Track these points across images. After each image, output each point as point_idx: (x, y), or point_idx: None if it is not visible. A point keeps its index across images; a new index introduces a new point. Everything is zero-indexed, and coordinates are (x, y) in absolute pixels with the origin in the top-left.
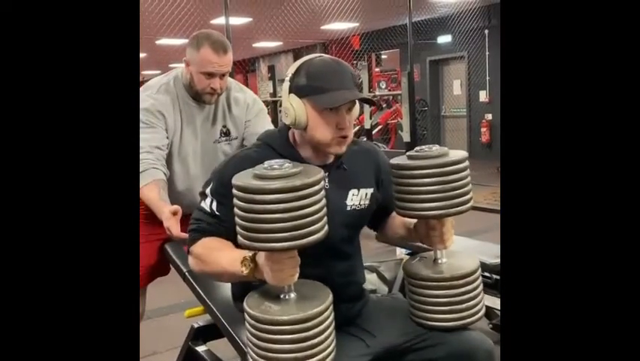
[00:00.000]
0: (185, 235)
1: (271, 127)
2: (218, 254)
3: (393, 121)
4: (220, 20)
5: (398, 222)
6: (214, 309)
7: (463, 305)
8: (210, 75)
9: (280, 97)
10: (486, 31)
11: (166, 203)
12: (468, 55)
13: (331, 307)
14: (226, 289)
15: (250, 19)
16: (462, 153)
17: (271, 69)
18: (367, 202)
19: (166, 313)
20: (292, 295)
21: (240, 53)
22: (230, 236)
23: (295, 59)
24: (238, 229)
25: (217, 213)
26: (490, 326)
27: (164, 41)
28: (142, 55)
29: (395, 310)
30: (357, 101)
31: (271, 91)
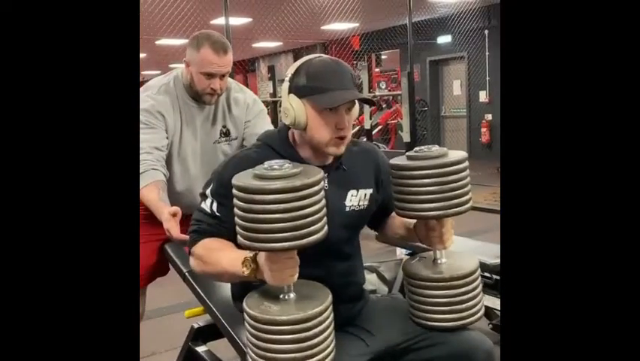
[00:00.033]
0: (185, 237)
1: (271, 127)
2: (219, 255)
3: (393, 121)
4: (220, 20)
5: (398, 222)
6: (214, 309)
7: (463, 305)
8: (210, 76)
9: (280, 97)
10: (486, 32)
11: (165, 204)
12: (468, 55)
13: (331, 308)
14: (226, 289)
15: (250, 20)
16: (461, 154)
17: (271, 69)
18: (366, 203)
19: (166, 314)
20: (292, 295)
21: (239, 53)
22: (231, 237)
23: (295, 59)
24: (238, 229)
25: (217, 214)
26: (490, 326)
27: (164, 41)
28: (142, 55)
29: (395, 310)
30: (356, 101)
31: (271, 91)
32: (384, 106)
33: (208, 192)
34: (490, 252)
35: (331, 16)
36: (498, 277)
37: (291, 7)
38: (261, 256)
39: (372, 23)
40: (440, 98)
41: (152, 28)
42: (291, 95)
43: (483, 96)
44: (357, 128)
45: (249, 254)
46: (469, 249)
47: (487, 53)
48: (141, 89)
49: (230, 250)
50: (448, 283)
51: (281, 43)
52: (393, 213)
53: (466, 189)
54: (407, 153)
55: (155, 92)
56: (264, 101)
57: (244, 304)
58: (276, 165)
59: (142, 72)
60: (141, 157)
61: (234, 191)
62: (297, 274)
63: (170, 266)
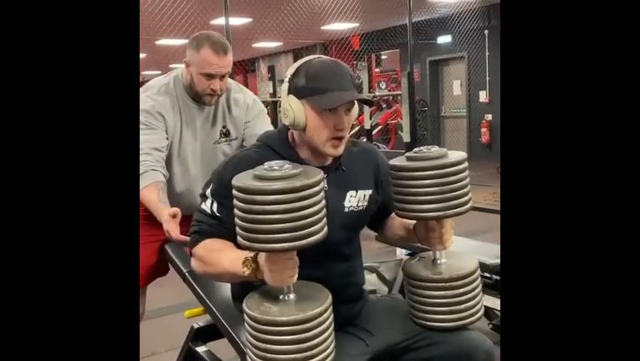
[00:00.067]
0: (185, 238)
1: (271, 128)
2: (220, 255)
3: (393, 121)
4: (220, 21)
5: (397, 223)
6: (214, 309)
7: (462, 306)
8: (210, 76)
9: (280, 97)
10: (486, 32)
11: (165, 205)
12: (468, 55)
13: (330, 309)
14: (226, 289)
15: (250, 20)
16: (461, 154)
17: (271, 69)
18: (365, 204)
19: (166, 314)
20: (292, 296)
21: (239, 54)
22: (232, 237)
23: (295, 59)
24: (238, 230)
25: (218, 214)
26: (490, 326)
27: (164, 42)
28: (142, 55)
29: (394, 310)
30: (355, 102)
31: (271, 91)
32: (384, 106)
33: (208, 192)
34: (490, 252)
35: (331, 17)
36: (498, 278)
37: (291, 7)
38: (261, 257)
39: (372, 23)
40: (440, 98)
41: (152, 28)
42: (291, 96)
43: (483, 96)
44: (357, 128)
45: (249, 254)
46: (469, 249)
47: (487, 53)
48: (141, 89)
49: (230, 250)
50: (448, 283)
51: (281, 44)
52: (393, 214)
53: (465, 189)
54: (407, 154)
55: (155, 93)
56: (263, 102)
57: (244, 305)
58: (276, 166)
59: (142, 72)
60: (141, 158)
61: (234, 192)
62: (297, 275)
63: (170, 266)
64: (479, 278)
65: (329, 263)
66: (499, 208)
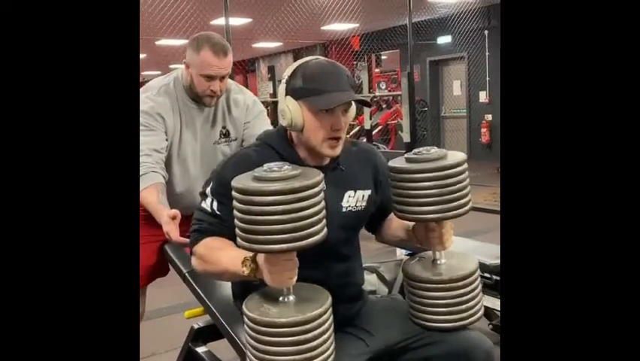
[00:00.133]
0: (185, 240)
1: (270, 128)
2: (220, 254)
3: (393, 122)
4: (220, 21)
5: (397, 224)
6: (214, 310)
7: (462, 306)
8: (210, 78)
9: None
10: (486, 32)
11: (165, 207)
12: (468, 55)
13: (330, 310)
14: (226, 289)
15: (250, 20)
16: (460, 156)
17: (271, 70)
18: (364, 204)
19: (166, 314)
20: (291, 297)
21: (239, 54)
22: (232, 235)
23: (295, 59)
24: (237, 230)
25: (218, 213)
26: (490, 326)
27: (164, 42)
28: (142, 55)
29: (394, 310)
30: (353, 102)
31: (271, 92)
32: (384, 106)
33: (208, 190)
34: (490, 252)
35: (331, 17)
36: (498, 278)
37: (291, 8)
38: (261, 257)
39: (372, 24)
40: (440, 98)
41: (152, 28)
42: (288, 97)
43: (483, 96)
44: (357, 128)
45: (248, 254)
46: (469, 249)
47: (487, 54)
48: (141, 89)
49: (230, 249)
50: (448, 284)
51: (281, 44)
52: (391, 215)
53: (465, 191)
54: (406, 155)
55: (155, 94)
56: (263, 102)
57: (244, 306)
58: (275, 167)
59: (142, 73)
60: (140, 159)
61: (234, 193)
62: (296, 276)
63: (170, 267)
64: (479, 279)
65: (328, 263)
66: (499, 208)
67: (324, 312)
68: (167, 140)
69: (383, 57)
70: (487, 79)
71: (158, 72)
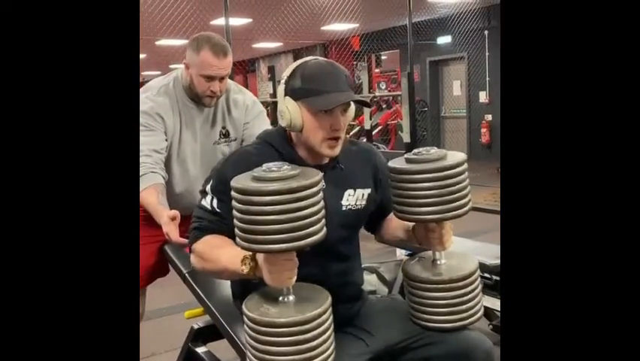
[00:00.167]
0: (184, 240)
1: (270, 128)
2: (219, 252)
3: (393, 122)
4: (220, 21)
5: (396, 224)
6: (214, 310)
7: (462, 307)
8: (210, 78)
9: None
10: (486, 32)
11: (165, 208)
12: (468, 56)
13: (330, 310)
14: (226, 289)
15: (250, 20)
16: (460, 156)
17: (271, 70)
18: (364, 203)
19: (166, 315)
20: (291, 297)
21: (239, 54)
22: (232, 233)
23: (295, 59)
24: (237, 230)
25: (218, 210)
26: (490, 326)
27: (164, 42)
28: (142, 56)
29: (394, 310)
30: (352, 102)
31: (271, 92)
32: (384, 106)
33: (208, 188)
34: (490, 252)
35: (331, 17)
36: (498, 278)
37: (291, 8)
38: (260, 256)
39: (372, 24)
40: (440, 98)
41: (152, 28)
42: (287, 98)
43: (483, 97)
44: (357, 128)
45: (248, 252)
46: (469, 249)
47: (487, 54)
48: (141, 90)
49: (230, 247)
50: (448, 284)
51: (281, 44)
52: (391, 215)
53: (465, 191)
54: (406, 156)
55: (155, 94)
56: (263, 102)
57: (243, 306)
58: (274, 167)
59: (142, 73)
60: (140, 160)
61: (233, 193)
62: (296, 276)
63: (170, 267)
64: (479, 279)
65: (327, 262)
66: (499, 209)
67: (324, 312)
68: (166, 140)
69: (383, 57)
70: (487, 79)
71: (158, 72)
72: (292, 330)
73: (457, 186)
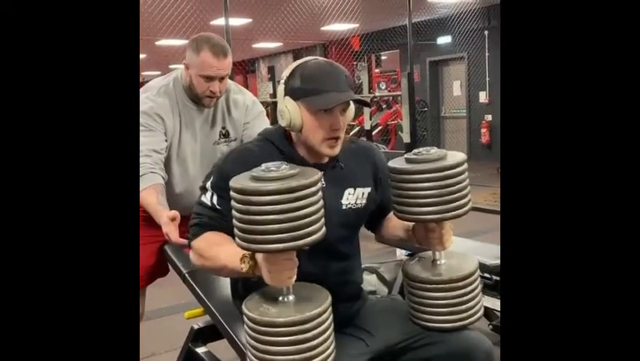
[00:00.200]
0: (184, 241)
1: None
2: (219, 249)
3: (393, 122)
4: (220, 21)
5: (396, 223)
6: (213, 310)
7: (462, 307)
8: (210, 79)
9: None
10: (486, 32)
11: (165, 208)
12: (468, 56)
13: (330, 310)
14: (225, 289)
15: (250, 20)
16: (460, 156)
17: (271, 70)
18: (364, 202)
19: (166, 315)
20: (291, 297)
21: (239, 54)
22: (231, 230)
23: (295, 59)
24: (236, 230)
25: (218, 207)
26: (490, 327)
27: (164, 42)
28: (142, 56)
29: (394, 311)
30: (351, 102)
31: (271, 92)
32: (384, 107)
33: (208, 185)
34: (490, 253)
35: (331, 17)
36: (498, 278)
37: (291, 8)
38: (260, 255)
39: (372, 24)
40: (440, 98)
41: (152, 28)
42: (287, 98)
43: (483, 97)
44: (357, 128)
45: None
46: (469, 249)
47: (487, 54)
48: (141, 90)
49: (229, 245)
50: (448, 284)
51: (281, 44)
52: (391, 215)
53: (465, 191)
54: (406, 156)
55: (155, 94)
56: (263, 102)
57: (243, 306)
58: (273, 167)
59: (142, 73)
60: (140, 160)
61: (232, 193)
62: (295, 276)
63: (170, 267)
64: (479, 279)
65: (326, 261)
66: (499, 209)
67: (324, 311)
68: (166, 140)
69: (383, 57)
70: (487, 79)
71: (158, 72)
72: (292, 330)
73: (457, 186)
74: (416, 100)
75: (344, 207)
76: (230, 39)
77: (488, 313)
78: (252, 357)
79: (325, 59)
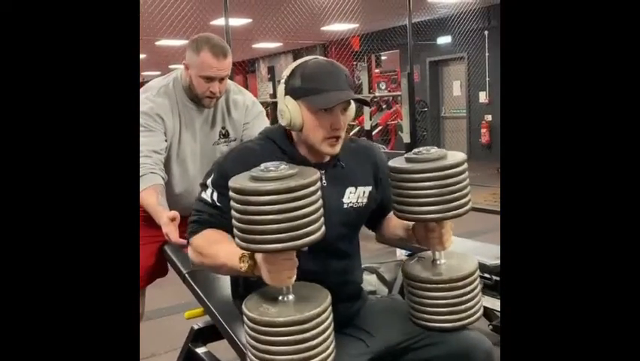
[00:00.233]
0: (184, 241)
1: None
2: (218, 247)
3: (393, 122)
4: (220, 21)
5: (396, 223)
6: (213, 310)
7: (462, 307)
8: (209, 79)
9: None
10: (486, 32)
11: (164, 208)
12: (468, 56)
13: (330, 309)
14: (226, 290)
15: (250, 20)
16: (460, 156)
17: (271, 70)
18: (365, 201)
19: (166, 315)
20: (291, 297)
21: (239, 54)
22: (231, 228)
23: (295, 59)
24: (235, 230)
25: (218, 204)
26: (490, 327)
27: (163, 42)
28: (142, 56)
29: (394, 311)
30: (352, 101)
31: (271, 92)
32: (384, 107)
33: (209, 182)
34: (490, 253)
35: (331, 17)
36: (498, 278)
37: (291, 8)
38: (259, 255)
39: (372, 24)
40: (440, 98)
41: (152, 28)
42: (287, 97)
43: (483, 97)
44: (357, 128)
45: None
46: (469, 249)
47: (486, 54)
48: (141, 90)
49: (228, 243)
50: (447, 284)
51: (281, 44)
52: (391, 214)
53: (465, 191)
54: (406, 155)
55: (155, 94)
56: (263, 102)
57: (243, 306)
58: (272, 167)
59: (142, 73)
60: (140, 160)
61: (231, 193)
62: (295, 276)
63: (170, 267)
64: (479, 279)
65: (326, 260)
66: (499, 209)
67: (324, 311)
68: (166, 141)
69: (383, 57)
70: (487, 79)
71: (158, 72)
72: (292, 329)
73: (457, 186)
74: (416, 100)
75: (345, 205)
76: (230, 39)
77: (488, 313)
78: (252, 357)
79: (325, 59)
